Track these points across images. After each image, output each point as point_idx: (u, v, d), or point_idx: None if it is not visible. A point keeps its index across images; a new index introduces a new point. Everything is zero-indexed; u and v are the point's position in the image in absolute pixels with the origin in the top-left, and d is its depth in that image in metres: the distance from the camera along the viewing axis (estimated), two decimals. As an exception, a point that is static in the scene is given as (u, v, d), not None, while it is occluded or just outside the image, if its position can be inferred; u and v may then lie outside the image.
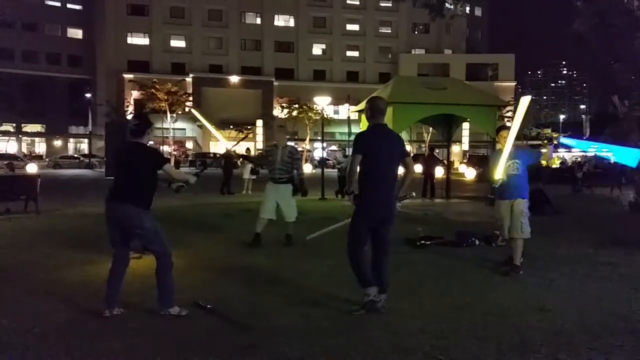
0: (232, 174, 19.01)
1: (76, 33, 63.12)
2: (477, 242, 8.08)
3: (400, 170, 4.89)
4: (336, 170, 19.21)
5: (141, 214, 4.49)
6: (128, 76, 55.61)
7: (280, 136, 8.15)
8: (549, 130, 55.15)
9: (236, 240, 8.34)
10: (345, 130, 42.39)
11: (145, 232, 4.51)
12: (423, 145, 53.80)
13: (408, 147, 59.75)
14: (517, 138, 6.61)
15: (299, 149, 57.63)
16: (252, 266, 6.59)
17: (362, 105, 16.80)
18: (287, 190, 7.87)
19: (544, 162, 7.68)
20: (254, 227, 7.97)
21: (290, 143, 8.14)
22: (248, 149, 20.12)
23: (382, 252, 4.75)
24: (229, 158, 19.45)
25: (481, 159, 32.91)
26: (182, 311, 4.55)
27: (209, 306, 4.70)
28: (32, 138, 62.04)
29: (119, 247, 4.64)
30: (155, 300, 4.60)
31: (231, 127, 53.93)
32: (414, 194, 6.57)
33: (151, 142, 7.53)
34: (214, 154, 48.00)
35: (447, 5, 15.47)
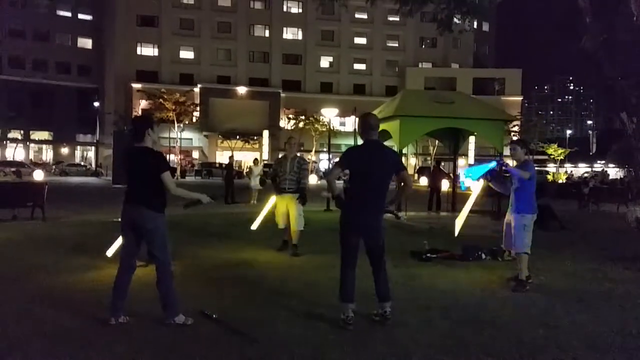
0: (234, 184, 19.12)
1: (86, 43, 63.75)
2: (483, 256, 8.05)
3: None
4: (342, 182, 19.21)
5: (156, 216, 4.53)
6: (136, 86, 56.02)
7: (290, 147, 8.30)
8: (555, 146, 54.98)
9: (242, 250, 8.35)
10: (352, 142, 42.54)
11: (154, 234, 4.52)
12: (429, 158, 53.89)
13: (413, 160, 59.49)
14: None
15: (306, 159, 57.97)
16: (258, 277, 6.59)
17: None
18: (294, 200, 8.05)
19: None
20: (258, 237, 8.43)
21: (298, 154, 8.36)
22: (256, 160, 20.21)
23: (374, 264, 4.81)
24: (230, 168, 19.60)
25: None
26: (187, 320, 4.56)
27: (214, 316, 4.71)
28: (40, 145, 62.45)
29: (128, 255, 4.65)
30: (161, 310, 4.61)
31: (237, 137, 54.21)
32: (398, 214, 6.76)
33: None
34: (220, 164, 48.19)
35: (455, 20, 15.52)
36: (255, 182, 18.63)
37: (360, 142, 4.90)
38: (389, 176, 4.77)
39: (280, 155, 9.01)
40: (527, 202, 6.22)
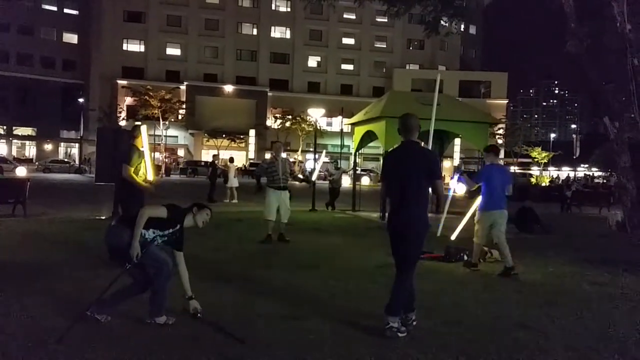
0: (216, 183, 19.04)
1: (71, 38, 63.09)
2: (465, 257, 8.08)
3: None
4: (327, 182, 19.23)
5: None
6: (122, 82, 55.57)
7: (278, 150, 9.41)
8: (539, 149, 55.57)
9: (227, 250, 8.32)
10: (338, 142, 42.56)
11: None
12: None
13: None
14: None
15: (291, 159, 57.79)
16: (244, 276, 6.55)
17: (355, 118, 16.90)
18: (286, 195, 9.36)
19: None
20: (244, 237, 8.99)
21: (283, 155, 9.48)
22: (232, 158, 20.27)
23: (398, 269, 4.65)
24: (214, 167, 19.48)
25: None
26: (169, 320, 4.52)
27: (199, 315, 4.67)
28: (23, 141, 61.67)
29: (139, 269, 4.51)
30: (145, 307, 4.56)
31: (224, 136, 54.01)
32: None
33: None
34: (205, 162, 47.97)
35: (442, 22, 15.61)
36: (231, 181, 18.72)
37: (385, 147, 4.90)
38: (422, 180, 4.57)
39: (268, 157, 10.26)
40: (486, 201, 7.26)
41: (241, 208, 15.71)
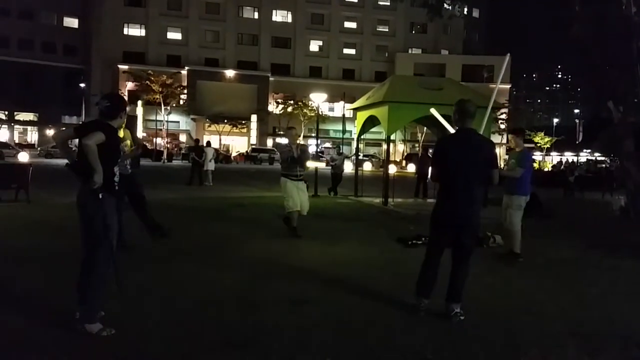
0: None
1: (72, 22, 62.58)
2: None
3: None
4: (329, 167, 19.21)
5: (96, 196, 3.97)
6: (123, 67, 55.31)
7: (292, 138, 8.67)
8: (542, 134, 55.36)
9: (231, 235, 8.33)
10: (340, 127, 42.45)
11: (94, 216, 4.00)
12: (417, 145, 53.93)
13: (401, 147, 59.28)
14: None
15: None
16: (247, 261, 6.56)
17: (358, 103, 16.81)
18: (304, 186, 8.67)
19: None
20: (249, 222, 8.55)
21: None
22: (209, 142, 20.93)
23: (456, 259, 4.63)
24: (198, 150, 20.03)
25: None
26: (105, 330, 3.93)
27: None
28: (25, 127, 61.56)
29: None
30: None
31: (225, 121, 53.87)
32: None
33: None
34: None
35: (445, 5, 15.47)
36: (208, 164, 19.30)
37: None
38: (479, 169, 4.50)
39: (284, 143, 9.26)
40: (520, 186, 7.01)
41: (244, 194, 15.71)
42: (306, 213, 8.66)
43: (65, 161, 4.13)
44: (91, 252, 4.02)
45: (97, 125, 4.11)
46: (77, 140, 4.04)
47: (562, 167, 34.38)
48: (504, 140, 47.13)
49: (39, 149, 48.37)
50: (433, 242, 4.70)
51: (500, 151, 47.05)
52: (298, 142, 8.66)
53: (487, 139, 4.85)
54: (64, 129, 4.44)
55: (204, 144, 20.53)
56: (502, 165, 6.63)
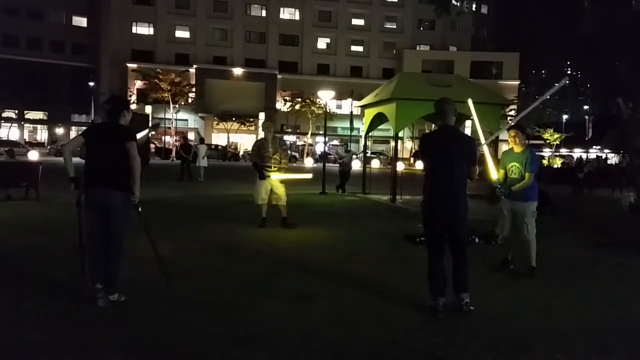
0: (188, 163, 19.67)
1: (81, 21, 62.91)
2: (476, 239, 8.05)
3: None
4: (337, 165, 19.23)
5: (123, 196, 4.58)
6: (132, 65, 55.47)
7: (268, 131, 8.87)
8: (551, 130, 55.01)
9: (236, 231, 8.36)
10: (348, 125, 42.36)
11: (121, 213, 4.56)
12: (425, 142, 53.64)
13: (409, 144, 59.00)
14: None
15: (301, 142, 57.42)
16: (253, 257, 6.59)
17: (365, 100, 16.79)
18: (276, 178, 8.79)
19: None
20: (252, 218, 8.57)
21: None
22: (202, 139, 21.43)
23: (453, 252, 4.74)
24: (187, 148, 20.32)
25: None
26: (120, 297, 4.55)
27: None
28: (35, 125, 61.97)
29: (98, 240, 4.55)
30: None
31: (233, 119, 53.97)
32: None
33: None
34: (215, 145, 48.22)
35: (453, 2, 15.40)
36: (201, 161, 19.60)
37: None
38: (463, 164, 4.65)
39: (259, 138, 9.68)
40: (532, 190, 6.33)
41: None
42: (284, 202, 8.85)
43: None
44: (116, 239, 4.53)
45: (122, 130, 4.62)
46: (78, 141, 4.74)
47: (573, 164, 34.13)
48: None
49: (48, 147, 48.71)
50: (429, 239, 4.83)
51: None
52: (274, 135, 8.95)
53: (468, 135, 4.95)
54: (73, 137, 4.84)
55: (198, 141, 20.92)
56: (499, 176, 6.25)
